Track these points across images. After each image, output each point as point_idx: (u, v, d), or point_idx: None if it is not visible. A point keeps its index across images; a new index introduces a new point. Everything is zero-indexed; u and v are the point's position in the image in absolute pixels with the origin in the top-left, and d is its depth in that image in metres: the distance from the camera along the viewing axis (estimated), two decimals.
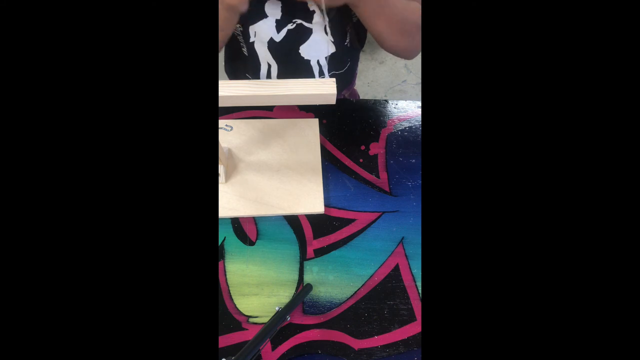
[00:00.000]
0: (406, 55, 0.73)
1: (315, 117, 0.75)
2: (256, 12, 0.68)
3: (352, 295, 0.60)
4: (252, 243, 0.64)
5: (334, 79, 0.54)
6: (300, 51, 0.75)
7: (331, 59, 0.79)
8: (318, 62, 0.78)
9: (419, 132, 0.76)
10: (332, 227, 0.66)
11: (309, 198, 0.67)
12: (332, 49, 0.77)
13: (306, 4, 0.69)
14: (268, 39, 0.73)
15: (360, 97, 0.97)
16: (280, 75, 0.79)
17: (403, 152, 0.73)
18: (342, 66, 0.83)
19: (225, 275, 0.61)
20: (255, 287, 0.60)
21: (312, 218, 0.66)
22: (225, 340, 0.56)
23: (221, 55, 0.88)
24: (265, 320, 0.56)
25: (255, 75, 0.81)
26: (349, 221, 0.66)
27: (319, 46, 0.75)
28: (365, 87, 1.79)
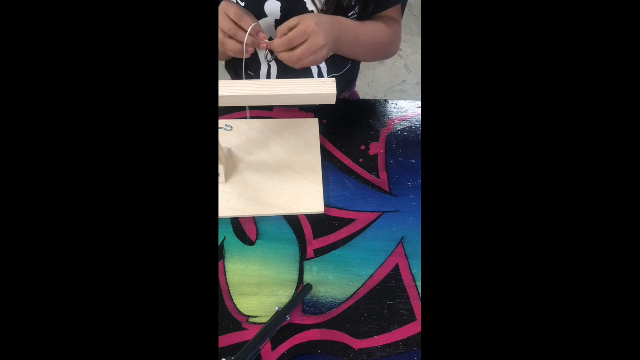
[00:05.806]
0: (382, 59, 0.86)
1: (315, 117, 0.75)
2: (256, 12, 0.68)
3: (352, 295, 0.60)
4: (252, 243, 0.64)
5: (334, 79, 0.54)
6: None
7: (330, 61, 0.78)
8: None
9: (419, 132, 0.76)
10: (332, 227, 0.66)
11: (309, 198, 0.67)
12: None
13: (305, 4, 0.69)
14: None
15: (360, 97, 0.97)
16: (280, 76, 0.79)
17: (403, 152, 0.73)
18: (342, 68, 0.83)
19: (225, 275, 0.61)
20: (255, 287, 0.60)
21: (312, 218, 0.66)
22: (225, 340, 0.56)
23: None
24: (265, 320, 0.56)
25: (256, 74, 0.81)
26: (349, 221, 0.66)
27: None
28: (365, 87, 1.79)
